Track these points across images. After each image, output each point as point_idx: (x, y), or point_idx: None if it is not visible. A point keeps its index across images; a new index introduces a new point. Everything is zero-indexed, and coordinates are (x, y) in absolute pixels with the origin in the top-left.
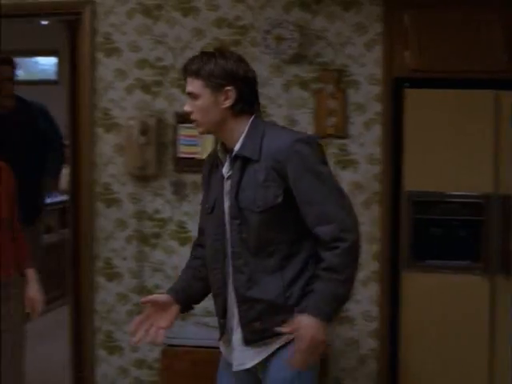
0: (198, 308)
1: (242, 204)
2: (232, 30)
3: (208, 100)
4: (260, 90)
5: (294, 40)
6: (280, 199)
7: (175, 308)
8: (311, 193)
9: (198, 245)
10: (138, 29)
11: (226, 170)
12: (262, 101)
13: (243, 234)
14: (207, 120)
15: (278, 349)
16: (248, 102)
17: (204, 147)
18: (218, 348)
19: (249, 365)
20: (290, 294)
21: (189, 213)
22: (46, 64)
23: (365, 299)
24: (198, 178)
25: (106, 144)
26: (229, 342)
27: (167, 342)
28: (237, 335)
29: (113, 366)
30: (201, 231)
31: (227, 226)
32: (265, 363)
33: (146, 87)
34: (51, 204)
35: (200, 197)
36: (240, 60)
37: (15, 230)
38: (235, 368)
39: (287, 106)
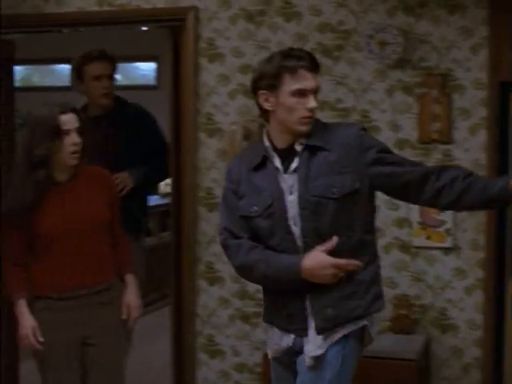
0: None
1: (314, 192)
2: (335, 34)
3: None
4: (363, 95)
5: (398, 44)
6: (357, 185)
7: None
8: (398, 157)
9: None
10: (241, 34)
11: (279, 165)
12: (365, 106)
13: (315, 223)
14: (314, 115)
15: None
16: None
17: None
18: None
19: (319, 352)
20: (361, 282)
21: None
22: (146, 69)
23: (469, 307)
24: None
25: (209, 149)
26: (297, 334)
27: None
28: (310, 324)
29: (213, 369)
30: (231, 232)
31: (295, 219)
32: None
33: (248, 92)
34: (151, 207)
35: None
36: None
37: (116, 236)
38: (307, 361)
39: (391, 111)
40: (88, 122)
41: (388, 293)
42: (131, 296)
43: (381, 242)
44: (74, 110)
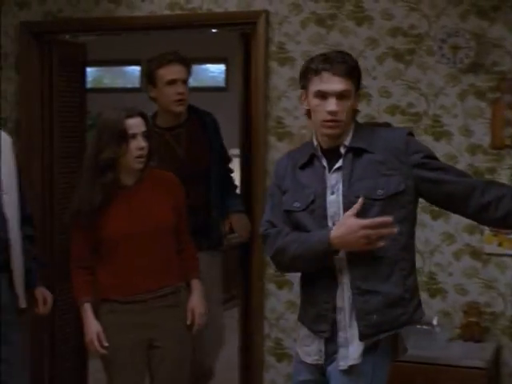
0: None
1: (359, 193)
2: (407, 38)
3: (353, 101)
4: (435, 100)
5: (471, 49)
6: (402, 186)
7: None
8: (444, 165)
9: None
10: (312, 38)
11: (326, 164)
12: (437, 110)
13: None
14: (348, 121)
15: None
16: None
17: None
18: None
19: (358, 360)
20: (408, 288)
21: None
22: (216, 71)
23: None
24: None
25: (279, 152)
26: (344, 340)
27: None
28: (352, 330)
29: (281, 373)
30: (273, 224)
31: (335, 221)
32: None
33: None
34: None
35: None
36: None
37: (183, 241)
38: (342, 366)
39: (463, 115)
40: (160, 132)
41: (458, 300)
42: (196, 302)
43: (451, 249)
44: (141, 115)
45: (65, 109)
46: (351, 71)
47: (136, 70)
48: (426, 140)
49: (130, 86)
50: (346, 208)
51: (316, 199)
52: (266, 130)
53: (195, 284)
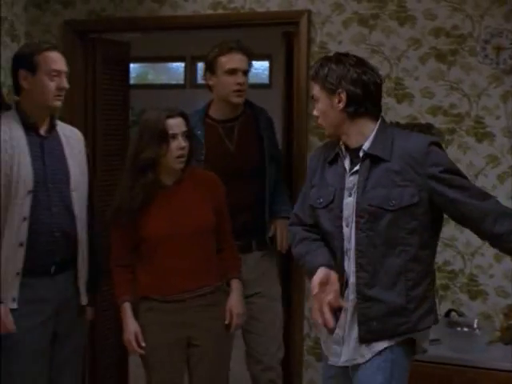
0: None
1: (372, 202)
2: (450, 39)
3: (324, 103)
4: (477, 101)
5: None
6: (416, 199)
7: (334, 276)
8: (462, 182)
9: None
10: (354, 38)
11: (347, 166)
12: (480, 111)
13: (370, 231)
14: (328, 123)
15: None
16: (363, 104)
17: None
18: (429, 362)
19: (360, 360)
20: (412, 298)
21: None
22: (259, 68)
23: None
24: None
25: None
26: (340, 338)
27: None
28: (352, 333)
29: (320, 372)
30: (298, 218)
31: (348, 223)
32: (365, 365)
33: None
34: None
35: None
36: (357, 64)
37: (224, 241)
38: (341, 363)
39: (505, 116)
40: (212, 124)
41: (499, 302)
42: (234, 302)
43: (492, 251)
44: (182, 115)
45: (108, 106)
46: (314, 77)
47: (180, 66)
48: (468, 141)
49: (174, 82)
50: (358, 214)
51: (335, 199)
52: (308, 129)
53: (234, 284)
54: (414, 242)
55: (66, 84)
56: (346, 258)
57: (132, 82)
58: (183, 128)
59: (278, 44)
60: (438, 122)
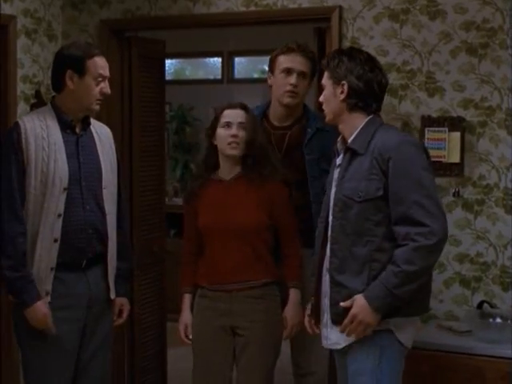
0: (442, 311)
1: (345, 192)
2: (480, 32)
3: (329, 91)
4: (509, 94)
5: None
6: (380, 193)
7: None
8: (403, 193)
9: None
10: (385, 33)
11: (339, 160)
12: (511, 104)
13: (342, 220)
14: (329, 110)
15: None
16: (363, 99)
17: (450, 150)
18: (461, 353)
19: (343, 344)
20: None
21: None
22: None
23: None
24: (443, 181)
25: None
26: (326, 321)
27: None
28: (327, 315)
29: None
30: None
31: (330, 212)
32: (353, 350)
33: (392, 91)
34: None
35: (445, 200)
36: (367, 61)
37: (286, 247)
38: (327, 346)
39: None
40: (268, 130)
41: None
42: (290, 313)
43: None
44: (242, 107)
45: (144, 103)
46: (325, 65)
47: (217, 61)
48: (501, 135)
49: (211, 77)
50: (334, 204)
51: (326, 191)
52: None
53: (292, 293)
54: (380, 234)
55: (108, 90)
56: (326, 243)
57: (169, 77)
58: (239, 119)
59: (309, 40)
60: (470, 115)
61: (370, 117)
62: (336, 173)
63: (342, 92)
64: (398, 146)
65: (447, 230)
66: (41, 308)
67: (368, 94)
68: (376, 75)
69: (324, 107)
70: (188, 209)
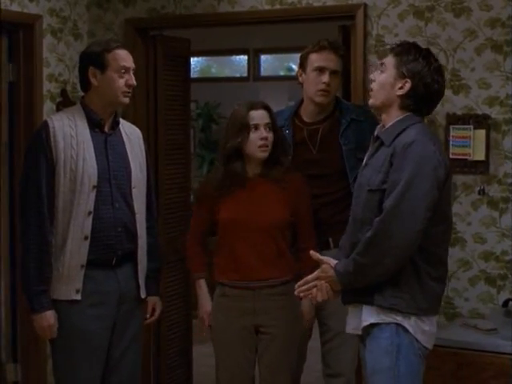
0: (467, 309)
1: (361, 179)
2: (505, 29)
3: (388, 79)
4: None
5: None
6: (384, 186)
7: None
8: (389, 190)
9: None
10: (410, 30)
11: (371, 146)
12: None
13: (355, 206)
14: (379, 96)
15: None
16: (418, 104)
17: (476, 148)
18: (486, 351)
19: (362, 326)
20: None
21: (458, 213)
22: None
23: None
24: (468, 179)
25: None
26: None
27: None
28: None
29: None
30: None
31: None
32: (367, 337)
33: None
34: None
35: (470, 198)
36: (436, 70)
37: (302, 242)
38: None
39: None
40: (300, 127)
41: None
42: (305, 308)
43: None
44: (265, 107)
45: (169, 101)
46: (397, 52)
47: (243, 59)
48: None
49: (237, 75)
50: (355, 189)
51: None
52: None
53: None
54: None
55: (134, 81)
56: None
57: (195, 75)
58: (266, 120)
59: (334, 38)
60: (495, 113)
61: (408, 114)
62: (365, 158)
63: (401, 88)
64: (410, 145)
65: (408, 235)
66: (48, 318)
67: (425, 101)
68: (440, 87)
69: (374, 89)
70: (203, 201)
